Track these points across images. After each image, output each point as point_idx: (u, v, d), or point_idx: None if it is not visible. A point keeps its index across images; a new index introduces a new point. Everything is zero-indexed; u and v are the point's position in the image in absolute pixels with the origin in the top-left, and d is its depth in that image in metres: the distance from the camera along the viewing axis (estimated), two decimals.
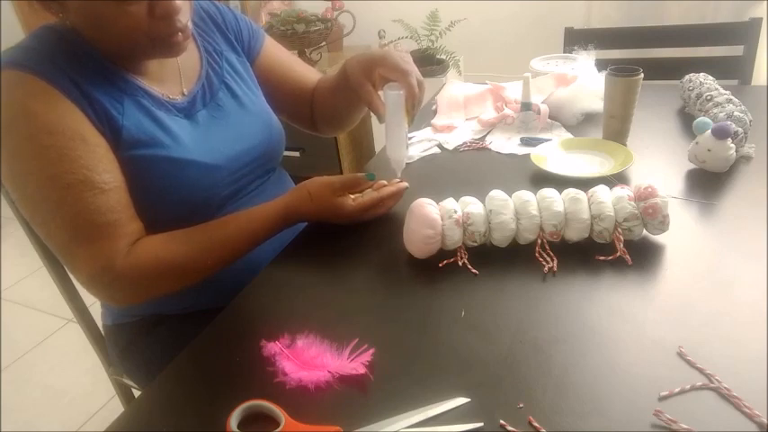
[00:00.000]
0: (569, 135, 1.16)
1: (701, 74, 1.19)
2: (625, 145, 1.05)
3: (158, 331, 0.96)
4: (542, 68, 1.39)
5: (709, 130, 0.92)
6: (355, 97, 0.93)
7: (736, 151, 0.95)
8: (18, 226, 0.99)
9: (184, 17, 0.78)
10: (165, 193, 0.82)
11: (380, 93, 0.90)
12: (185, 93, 0.89)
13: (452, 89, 1.43)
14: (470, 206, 0.79)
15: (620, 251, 0.75)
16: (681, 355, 0.60)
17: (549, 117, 1.21)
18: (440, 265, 0.78)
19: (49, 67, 0.74)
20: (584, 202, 0.77)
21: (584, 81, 1.25)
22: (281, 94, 1.07)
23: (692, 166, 0.97)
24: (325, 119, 1.12)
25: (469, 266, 0.77)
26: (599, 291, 0.71)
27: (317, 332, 0.67)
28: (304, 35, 2.15)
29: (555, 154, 1.06)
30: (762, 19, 1.49)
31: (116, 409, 1.57)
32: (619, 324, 0.65)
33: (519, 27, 2.28)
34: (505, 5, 2.26)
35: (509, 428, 0.54)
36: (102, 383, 1.50)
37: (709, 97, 1.09)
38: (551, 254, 0.77)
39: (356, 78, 0.90)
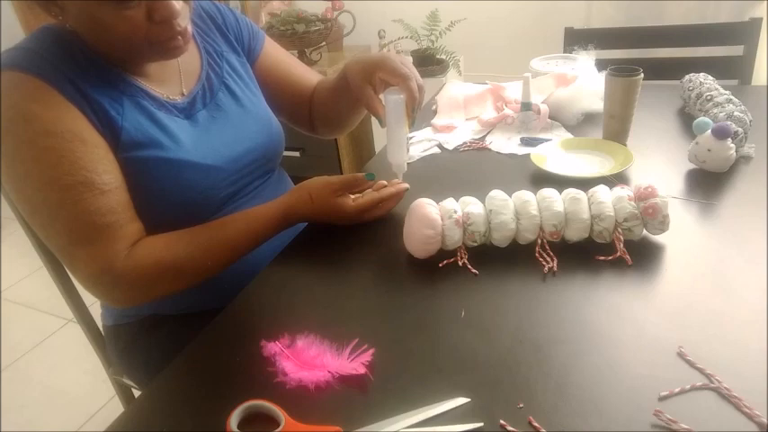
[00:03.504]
0: (569, 135, 1.16)
1: (701, 74, 1.19)
2: (625, 145, 1.05)
3: (158, 332, 0.96)
4: (542, 68, 1.39)
5: (709, 130, 0.92)
6: (354, 100, 0.93)
7: (736, 151, 0.95)
8: (18, 226, 0.99)
9: (183, 20, 0.77)
10: (164, 194, 0.82)
11: (381, 96, 0.90)
12: (185, 93, 0.89)
13: (452, 89, 1.43)
14: (470, 206, 0.79)
15: (620, 251, 0.75)
16: (681, 355, 0.60)
17: (549, 117, 1.21)
18: (440, 265, 0.78)
19: (48, 69, 0.74)
20: (585, 202, 0.77)
21: (584, 81, 1.25)
22: (281, 96, 1.07)
23: (692, 166, 0.97)
24: (324, 121, 1.12)
25: (469, 266, 0.77)
26: (599, 291, 0.71)
27: (317, 332, 0.67)
28: (304, 35, 2.15)
29: (555, 154, 1.06)
30: (762, 19, 1.50)
31: (116, 409, 1.57)
32: (619, 324, 0.65)
33: (519, 27, 2.28)
34: (505, 5, 2.26)
35: (509, 428, 0.54)
36: (102, 383, 1.50)
37: (709, 97, 1.09)
38: (551, 254, 0.77)
39: (356, 82, 0.90)
